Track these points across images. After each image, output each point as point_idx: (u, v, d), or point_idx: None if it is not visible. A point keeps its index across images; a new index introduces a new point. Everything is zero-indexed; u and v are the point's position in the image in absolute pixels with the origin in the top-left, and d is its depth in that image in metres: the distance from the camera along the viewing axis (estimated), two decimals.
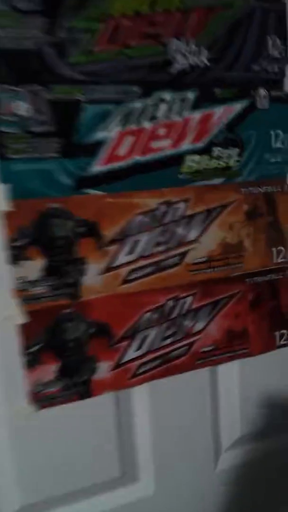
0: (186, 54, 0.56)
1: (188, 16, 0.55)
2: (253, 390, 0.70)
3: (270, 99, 0.61)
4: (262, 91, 0.61)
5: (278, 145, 0.63)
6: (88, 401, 0.59)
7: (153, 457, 0.65)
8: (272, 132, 0.62)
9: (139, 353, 0.60)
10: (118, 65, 0.53)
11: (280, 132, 0.63)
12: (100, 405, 0.61)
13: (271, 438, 0.72)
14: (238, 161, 0.61)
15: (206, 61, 0.57)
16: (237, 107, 0.60)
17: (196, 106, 0.58)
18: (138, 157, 0.56)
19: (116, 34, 0.53)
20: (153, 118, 0.56)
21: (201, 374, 0.66)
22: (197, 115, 0.58)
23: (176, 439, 0.66)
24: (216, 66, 0.58)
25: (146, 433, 0.64)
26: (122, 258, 0.58)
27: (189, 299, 0.62)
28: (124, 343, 0.60)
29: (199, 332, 0.63)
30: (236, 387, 0.69)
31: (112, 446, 0.64)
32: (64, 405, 0.57)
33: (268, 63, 0.60)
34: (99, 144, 0.54)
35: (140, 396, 0.63)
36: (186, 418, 0.66)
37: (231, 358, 0.66)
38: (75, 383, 0.58)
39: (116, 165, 0.55)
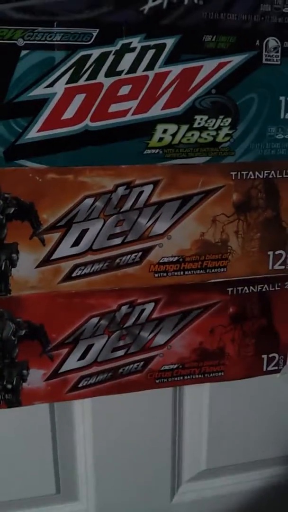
0: None
1: None
2: (225, 419, 0.64)
3: (283, 52, 0.51)
4: (273, 41, 0.50)
5: None
6: (23, 409, 0.56)
7: (95, 477, 0.63)
8: (282, 98, 0.52)
9: (82, 363, 0.56)
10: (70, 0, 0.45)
11: None
12: (36, 414, 0.59)
13: (238, 474, 0.68)
14: (230, 135, 0.52)
15: None
16: (235, 61, 0.50)
17: (175, 58, 0.48)
18: (90, 123, 0.48)
19: None
20: (113, 72, 0.48)
21: (162, 391, 0.60)
22: (175, 70, 0.49)
23: (125, 460, 0.63)
24: (208, 5, 0.48)
25: (87, 450, 0.61)
26: (65, 250, 0.52)
27: (149, 307, 0.56)
28: (63, 351, 0.55)
29: (160, 346, 0.57)
30: (205, 412, 0.64)
31: (48, 459, 0.62)
32: None
33: (283, 1, 0.49)
34: (39, 103, 0.47)
35: (83, 408, 0.60)
36: (139, 440, 0.63)
37: (200, 381, 0.60)
38: (1, 389, 0.55)
39: (60, 131, 0.48)
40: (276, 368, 0.63)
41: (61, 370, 0.56)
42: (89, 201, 0.51)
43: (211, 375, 0.61)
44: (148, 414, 0.62)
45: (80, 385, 0.57)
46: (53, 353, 0.55)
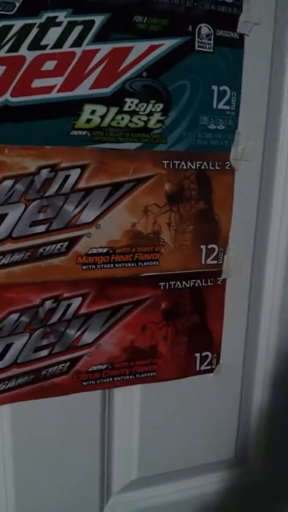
0: None
1: None
2: (157, 423, 0.61)
3: (215, 40, 0.50)
4: (205, 28, 0.50)
5: (222, 106, 0.52)
6: None
7: (15, 491, 0.57)
8: (214, 87, 0.52)
9: (1, 365, 0.51)
10: None
11: (226, 88, 0.52)
12: None
13: (173, 483, 0.65)
14: (161, 121, 0.51)
15: None
16: (166, 45, 0.49)
17: (104, 36, 0.46)
18: (11, 98, 0.45)
19: None
20: (37, 45, 0.45)
21: (90, 395, 0.57)
22: (104, 49, 0.47)
23: (48, 472, 0.58)
24: None
25: (6, 461, 0.55)
26: None
27: (76, 302, 0.52)
28: None
29: (88, 345, 0.54)
30: (136, 417, 0.60)
31: None
32: None
33: None
34: None
35: (0, 416, 0.54)
36: (64, 449, 0.58)
37: (131, 382, 0.57)
38: None
39: None
40: (209, 367, 0.61)
41: None
42: (8, 183, 0.47)
43: (142, 375, 0.58)
44: (74, 420, 0.57)
45: None
46: None
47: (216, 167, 0.55)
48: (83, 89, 0.47)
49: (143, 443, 0.62)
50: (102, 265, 0.53)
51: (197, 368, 0.61)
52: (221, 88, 0.52)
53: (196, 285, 0.57)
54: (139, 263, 0.54)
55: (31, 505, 0.59)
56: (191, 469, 0.67)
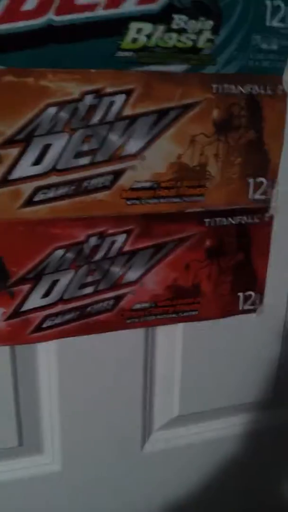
0: None
1: None
2: (198, 362, 0.62)
3: None
4: None
5: (276, 23, 0.48)
6: None
7: (61, 427, 0.59)
8: (267, 2, 0.47)
9: (47, 301, 0.51)
10: None
11: (280, 3, 0.48)
12: None
13: (213, 421, 0.66)
14: (211, 40, 0.47)
15: None
16: None
17: None
18: (54, 17, 0.42)
19: None
20: None
21: (134, 333, 0.57)
22: None
23: (92, 408, 0.59)
24: None
25: (53, 398, 0.57)
26: (25, 169, 0.46)
27: (121, 238, 0.51)
28: (25, 287, 0.50)
29: (132, 283, 0.53)
30: (178, 355, 0.60)
31: (9, 409, 0.57)
32: None
33: None
34: None
35: (47, 352, 0.55)
36: (108, 385, 0.59)
37: (174, 321, 0.57)
38: None
39: (19, 25, 0.41)
40: (252, 307, 0.60)
41: (22, 309, 0.51)
42: (52, 110, 0.45)
43: (185, 314, 0.57)
44: (118, 357, 0.58)
45: (44, 325, 0.52)
46: (13, 289, 0.50)
47: (268, 91, 0.51)
48: (129, 5, 0.44)
49: (184, 381, 0.63)
50: (146, 200, 0.51)
51: (240, 308, 0.60)
52: (275, 2, 0.48)
53: (242, 222, 0.55)
54: (184, 198, 0.52)
55: (75, 441, 0.60)
56: (231, 408, 0.68)
